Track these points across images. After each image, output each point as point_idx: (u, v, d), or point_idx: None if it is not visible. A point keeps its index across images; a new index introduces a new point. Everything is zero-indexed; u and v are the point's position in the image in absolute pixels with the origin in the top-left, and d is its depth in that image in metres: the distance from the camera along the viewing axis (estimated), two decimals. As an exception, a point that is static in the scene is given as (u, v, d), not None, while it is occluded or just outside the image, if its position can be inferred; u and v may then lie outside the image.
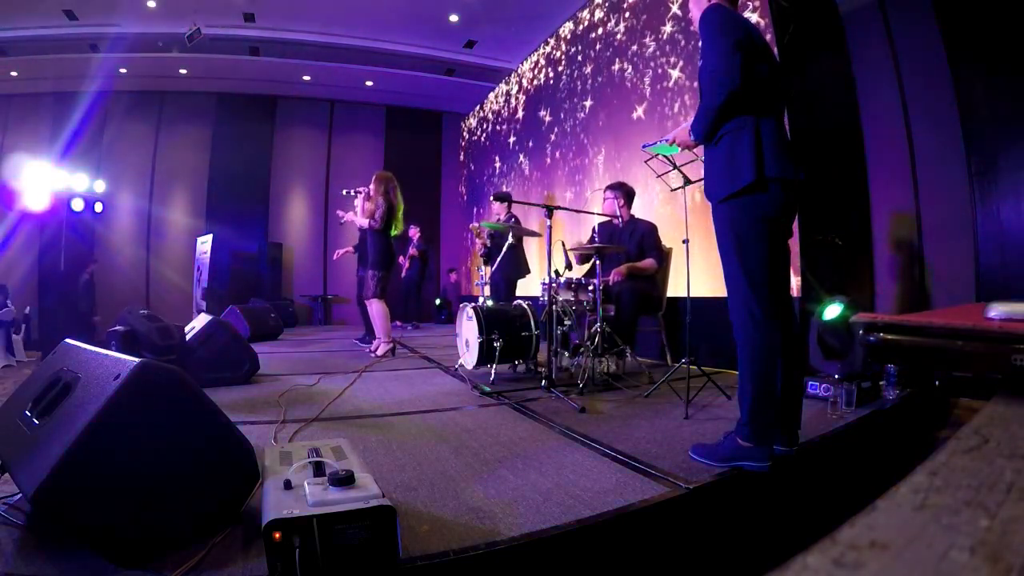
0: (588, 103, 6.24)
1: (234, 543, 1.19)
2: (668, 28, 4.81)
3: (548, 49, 7.36)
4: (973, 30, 3.27)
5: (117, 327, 3.00)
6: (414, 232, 7.98)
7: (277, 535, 1.00)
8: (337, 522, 1.03)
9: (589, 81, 6.23)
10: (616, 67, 5.64)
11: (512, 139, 8.41)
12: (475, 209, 9.95)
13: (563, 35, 6.93)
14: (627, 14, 5.46)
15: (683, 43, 4.62)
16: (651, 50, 5.03)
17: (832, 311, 2.73)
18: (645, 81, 5.11)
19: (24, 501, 1.26)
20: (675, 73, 4.70)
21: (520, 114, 8.18)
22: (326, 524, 1.02)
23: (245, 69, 8.79)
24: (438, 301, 10.18)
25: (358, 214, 4.90)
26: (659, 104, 4.91)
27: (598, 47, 6.05)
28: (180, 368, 1.27)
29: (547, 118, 7.27)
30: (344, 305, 10.06)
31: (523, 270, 5.08)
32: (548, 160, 7.16)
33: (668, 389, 2.84)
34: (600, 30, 6.01)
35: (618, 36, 5.63)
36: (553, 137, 7.04)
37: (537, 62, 7.70)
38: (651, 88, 5.02)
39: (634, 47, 5.32)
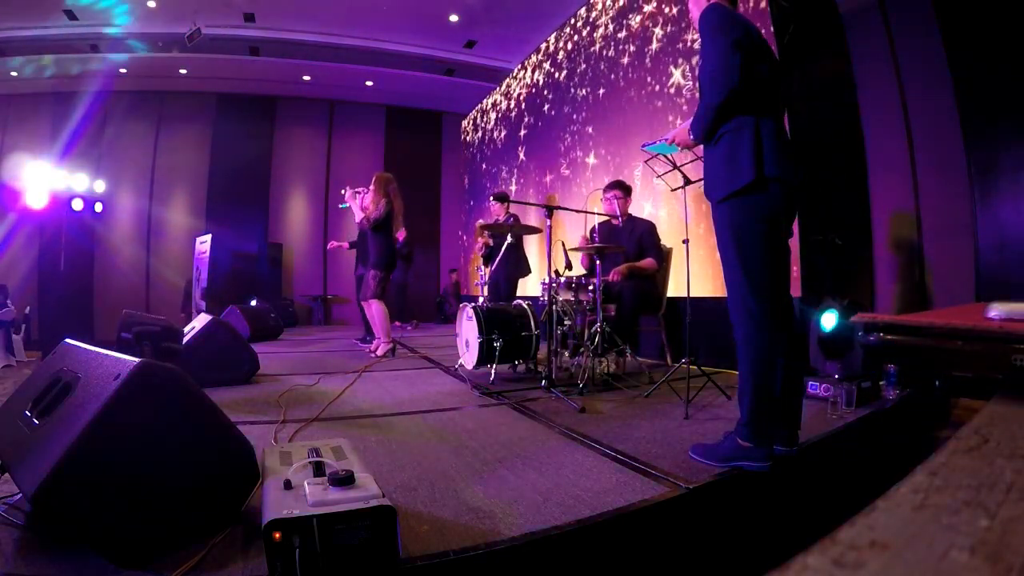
0: (588, 104, 6.23)
1: (234, 543, 1.19)
2: (668, 30, 4.82)
3: (549, 48, 7.36)
4: (973, 30, 3.27)
5: (147, 326, 2.99)
6: (400, 233, 7.97)
7: (277, 535, 1.00)
8: (337, 522, 1.03)
9: (590, 79, 6.23)
10: (617, 64, 5.64)
11: (512, 139, 8.41)
12: (473, 203, 9.95)
13: (564, 34, 6.93)
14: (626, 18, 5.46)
15: (686, 43, 4.62)
16: (652, 47, 5.04)
17: (828, 320, 2.72)
18: (646, 79, 5.11)
19: (24, 501, 1.26)
20: (676, 74, 4.70)
21: (521, 114, 8.18)
22: (326, 524, 1.02)
23: (245, 69, 8.79)
24: (439, 299, 10.19)
25: (357, 209, 4.92)
26: (659, 102, 4.91)
27: (599, 45, 6.05)
28: (180, 368, 1.27)
29: (547, 118, 7.26)
30: (344, 305, 10.07)
31: (524, 269, 5.08)
32: (549, 160, 7.16)
33: (668, 389, 2.84)
34: (600, 30, 6.01)
35: (619, 35, 5.63)
36: (554, 137, 7.04)
37: (538, 62, 7.69)
38: (651, 86, 5.02)
39: (634, 43, 5.32)
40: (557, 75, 7.05)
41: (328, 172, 10.45)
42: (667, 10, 4.84)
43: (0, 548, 1.16)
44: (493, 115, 9.30)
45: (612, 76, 5.72)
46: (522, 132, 8.05)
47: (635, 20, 5.31)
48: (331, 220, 10.17)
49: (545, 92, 7.37)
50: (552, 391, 2.83)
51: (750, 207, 1.69)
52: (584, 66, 6.35)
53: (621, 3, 5.58)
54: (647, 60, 5.09)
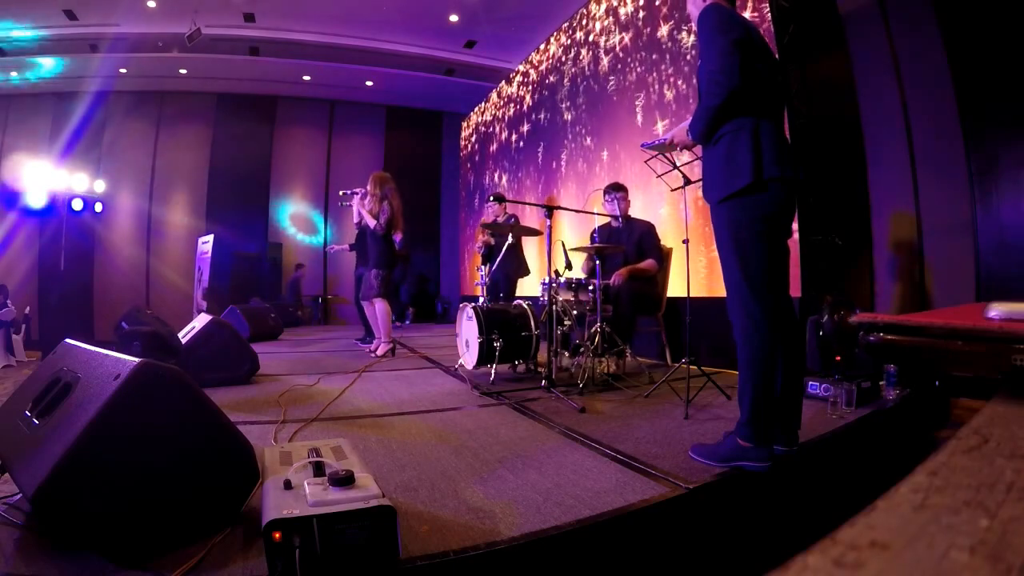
0: (590, 101, 6.24)
1: (234, 543, 1.19)
2: (666, 28, 4.82)
3: (550, 48, 7.36)
4: (973, 30, 3.27)
5: (139, 327, 2.98)
6: (397, 235, 7.95)
7: (277, 535, 1.00)
8: (337, 522, 1.03)
9: (591, 78, 6.23)
10: (618, 62, 5.64)
11: (513, 139, 8.41)
12: (472, 203, 9.95)
13: (564, 34, 6.93)
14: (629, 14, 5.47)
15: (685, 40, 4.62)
16: (653, 44, 5.04)
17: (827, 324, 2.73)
18: (648, 78, 5.12)
19: (24, 501, 1.26)
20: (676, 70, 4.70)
21: (522, 114, 8.18)
22: (326, 524, 1.02)
23: (245, 69, 8.80)
24: (439, 299, 10.21)
25: (360, 211, 4.92)
26: (660, 101, 4.91)
27: (600, 43, 6.05)
28: (180, 368, 1.27)
29: (548, 118, 7.27)
30: (344, 305, 10.07)
31: (523, 269, 5.08)
32: (549, 160, 7.16)
33: (668, 389, 2.84)
34: (601, 27, 6.02)
35: (620, 32, 5.63)
36: (554, 137, 7.04)
37: (539, 60, 7.69)
38: (653, 82, 5.03)
39: (636, 39, 5.32)
40: (558, 74, 7.05)
41: (328, 172, 10.45)
42: (664, 11, 4.84)
43: (0, 548, 1.16)
44: (493, 115, 9.30)
45: (613, 75, 5.72)
46: (523, 131, 8.05)
47: (632, 20, 5.31)
48: (331, 220, 10.18)
49: (545, 92, 7.37)
50: (552, 391, 2.83)
51: (749, 208, 1.69)
52: (585, 65, 6.35)
53: (620, 3, 5.58)
54: (649, 58, 5.09)
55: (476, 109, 10.13)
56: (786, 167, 1.68)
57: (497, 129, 9.09)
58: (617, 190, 3.84)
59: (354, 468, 1.20)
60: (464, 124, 10.88)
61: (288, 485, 1.14)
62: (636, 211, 4.04)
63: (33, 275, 8.69)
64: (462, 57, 8.59)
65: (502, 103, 8.92)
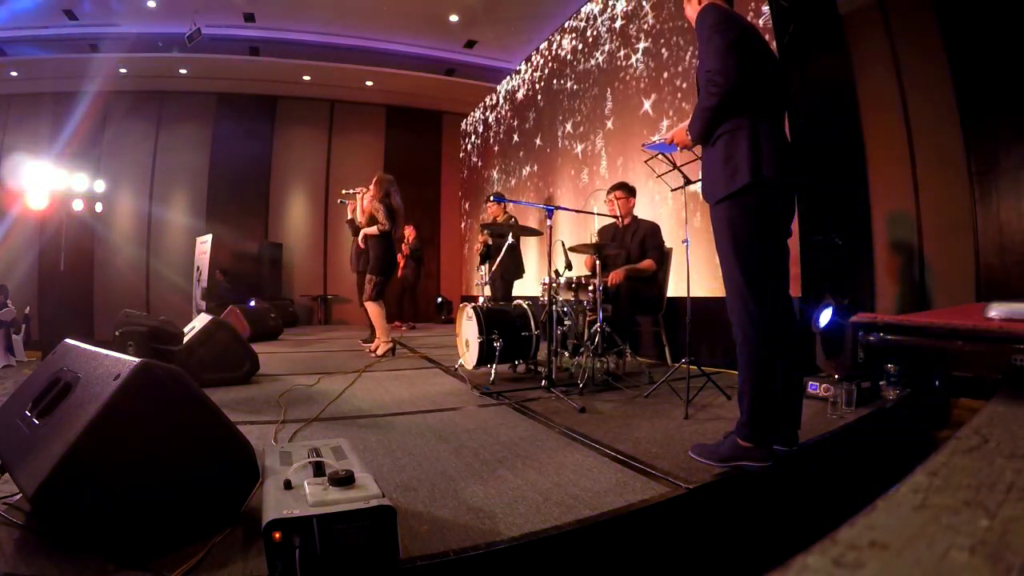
0: (591, 100, 6.23)
1: (234, 543, 1.19)
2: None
3: (551, 46, 7.35)
4: (974, 30, 3.27)
5: (136, 327, 3.00)
6: (410, 232, 7.97)
7: (277, 535, 1.00)
8: (337, 522, 1.03)
9: (593, 76, 6.22)
10: (621, 60, 5.64)
11: (513, 138, 8.41)
12: (472, 203, 9.95)
13: (564, 32, 6.93)
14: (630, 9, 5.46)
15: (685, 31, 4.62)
16: (655, 39, 5.04)
17: (824, 316, 2.74)
18: (651, 73, 5.12)
19: (24, 501, 1.26)
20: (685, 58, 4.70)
21: (522, 114, 8.17)
22: (326, 524, 1.02)
23: (245, 69, 8.79)
24: (440, 299, 10.21)
25: (358, 217, 4.91)
26: (666, 97, 4.91)
27: (603, 40, 6.05)
28: (180, 368, 1.27)
29: (549, 118, 7.26)
30: (344, 305, 10.06)
31: (518, 271, 5.07)
32: (551, 159, 7.15)
33: (668, 389, 2.84)
34: (604, 24, 6.01)
35: (623, 26, 5.63)
36: (555, 137, 7.04)
37: (539, 59, 7.69)
38: (657, 80, 5.02)
39: (639, 35, 5.32)
40: (559, 73, 7.04)
41: (328, 172, 10.44)
42: (665, 11, 4.84)
43: (0, 548, 1.16)
44: (493, 115, 9.30)
45: (614, 75, 5.71)
46: (524, 131, 8.05)
47: (635, 22, 5.31)
48: (331, 220, 10.17)
49: (546, 91, 7.36)
50: (552, 391, 2.83)
51: (748, 208, 1.69)
52: (586, 66, 6.35)
53: (622, 3, 5.58)
54: (650, 57, 5.09)
55: (476, 109, 10.12)
56: (784, 167, 1.68)
57: (497, 129, 9.09)
58: (615, 190, 3.83)
59: (354, 468, 1.20)
60: (464, 124, 10.87)
61: (288, 485, 1.14)
62: (637, 211, 4.03)
63: (33, 275, 8.68)
64: (462, 57, 8.59)
65: (502, 103, 8.92)
